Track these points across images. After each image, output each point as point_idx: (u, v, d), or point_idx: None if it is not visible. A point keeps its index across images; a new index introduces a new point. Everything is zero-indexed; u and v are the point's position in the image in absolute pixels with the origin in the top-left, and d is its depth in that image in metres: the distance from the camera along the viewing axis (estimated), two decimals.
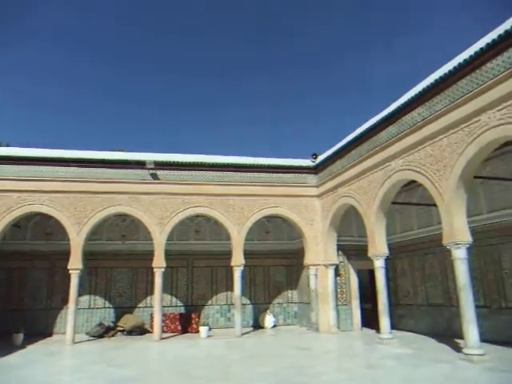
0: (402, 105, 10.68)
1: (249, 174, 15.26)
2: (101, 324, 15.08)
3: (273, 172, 15.51)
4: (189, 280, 17.34)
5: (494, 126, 8.10)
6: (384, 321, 11.61)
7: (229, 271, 15.67)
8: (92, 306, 16.29)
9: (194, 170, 14.82)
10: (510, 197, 11.00)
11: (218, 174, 15.04)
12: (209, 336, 14.12)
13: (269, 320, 16.84)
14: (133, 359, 10.28)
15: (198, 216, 15.99)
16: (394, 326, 13.01)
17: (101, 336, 14.49)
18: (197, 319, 15.90)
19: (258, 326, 16.92)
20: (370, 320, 15.06)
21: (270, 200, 15.28)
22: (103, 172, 14.18)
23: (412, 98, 10.25)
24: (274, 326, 16.84)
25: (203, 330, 14.26)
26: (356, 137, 12.95)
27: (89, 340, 13.88)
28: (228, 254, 14.98)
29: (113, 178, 14.20)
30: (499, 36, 7.75)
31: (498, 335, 10.72)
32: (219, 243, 17.38)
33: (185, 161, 14.79)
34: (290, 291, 18.05)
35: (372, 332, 13.96)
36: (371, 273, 13.74)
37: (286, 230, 18.19)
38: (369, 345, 11.66)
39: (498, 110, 7.96)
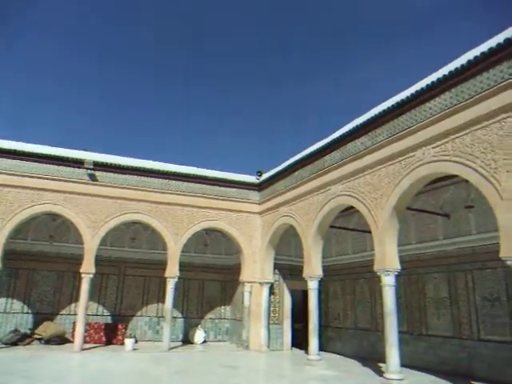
0: (346, 132, 11.10)
1: (192, 185, 15.04)
2: (16, 330, 13.93)
3: (216, 185, 15.42)
4: (119, 288, 16.56)
5: (427, 162, 8.60)
6: (313, 342, 11.75)
7: (162, 282, 15.17)
8: (8, 311, 14.99)
9: (135, 174, 14.35)
10: (438, 230, 11.69)
11: (160, 181, 14.66)
12: (134, 349, 13.50)
13: (199, 335, 16.46)
14: (45, 372, 9.50)
15: (135, 223, 15.41)
16: (322, 348, 13.22)
17: (14, 344, 13.38)
18: (123, 330, 15.17)
19: (187, 340, 16.47)
20: (300, 340, 15.21)
21: (211, 213, 15.12)
22: (33, 166, 13.24)
23: (356, 127, 10.69)
24: (205, 341, 16.48)
25: (129, 342, 13.61)
26: (300, 159, 13.23)
27: (0, 348, 12.72)
28: (163, 264, 14.54)
29: (43, 174, 13.30)
30: (438, 79, 8.32)
31: (416, 361, 11.24)
32: (155, 252, 16.86)
33: (126, 164, 14.28)
34: (223, 307, 17.82)
35: (301, 352, 14.09)
36: (304, 293, 13.93)
37: (224, 244, 18.05)
38: (297, 365, 11.73)
39: (433, 148, 8.48)
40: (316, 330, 11.84)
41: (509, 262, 6.91)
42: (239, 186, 15.80)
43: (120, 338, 14.81)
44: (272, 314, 15.24)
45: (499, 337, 9.78)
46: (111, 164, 14.02)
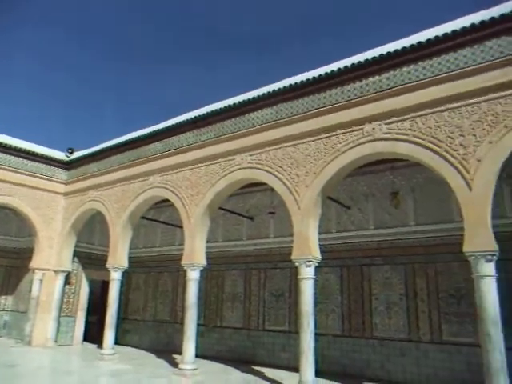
0: (171, 126, 11.03)
1: None
2: None
3: (14, 155, 13.22)
4: None
5: (244, 167, 9.28)
6: (108, 335, 11.22)
7: None
8: None
9: None
10: (242, 230, 12.73)
11: None
12: None
13: None
14: None
15: None
16: (118, 341, 12.75)
17: None
18: None
19: None
20: (93, 334, 14.32)
21: (3, 186, 12.87)
22: None
23: (182, 122, 10.73)
24: None
25: None
26: (120, 143, 12.54)
27: None
28: None
29: None
30: (259, 95, 9.11)
31: (210, 351, 12.00)
32: None
33: None
34: (3, 297, 15.35)
35: (93, 347, 13.28)
36: (105, 284, 13.21)
37: (15, 224, 15.63)
38: (88, 361, 10.99)
39: (250, 155, 9.20)
40: (113, 323, 11.35)
41: (296, 264, 8.02)
42: (44, 161, 13.94)
43: None
44: (65, 306, 13.93)
45: (279, 327, 11.27)
46: None
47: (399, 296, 9.62)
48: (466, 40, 6.67)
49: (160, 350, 13.19)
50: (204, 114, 10.23)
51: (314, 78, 8.22)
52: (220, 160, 9.82)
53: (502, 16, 6.30)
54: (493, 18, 6.38)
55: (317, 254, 7.99)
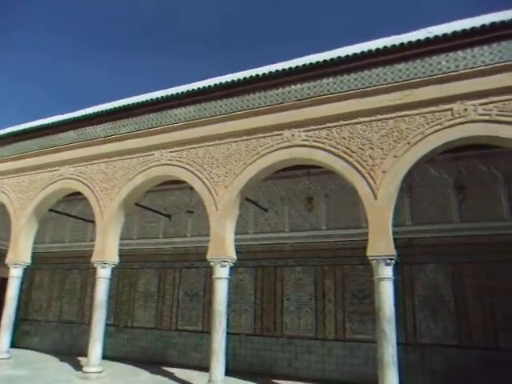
0: (87, 115, 10.43)
1: None
2: None
3: None
4: None
5: (163, 163, 9.08)
6: (4, 338, 10.27)
7: None
8: None
9: None
10: (159, 228, 12.43)
11: None
12: None
13: None
14: None
15: None
16: (15, 344, 11.72)
17: None
18: None
19: None
20: None
21: None
22: None
23: (96, 113, 10.19)
24: None
25: None
26: (29, 129, 11.55)
27: None
28: None
29: None
30: (178, 93, 9.01)
31: (119, 352, 11.54)
32: None
33: None
34: None
35: None
36: (3, 282, 12.07)
37: None
38: None
39: (170, 152, 9.03)
40: (10, 324, 10.41)
41: (212, 263, 8.03)
42: None
43: None
44: None
45: (192, 326, 11.20)
46: None
47: (309, 296, 10.08)
48: (379, 61, 7.21)
49: (64, 352, 12.37)
50: (122, 107, 9.82)
51: (238, 79, 8.31)
52: (139, 155, 9.50)
53: (410, 43, 6.93)
54: (402, 44, 6.98)
55: (232, 254, 8.08)
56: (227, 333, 7.92)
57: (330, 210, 10.20)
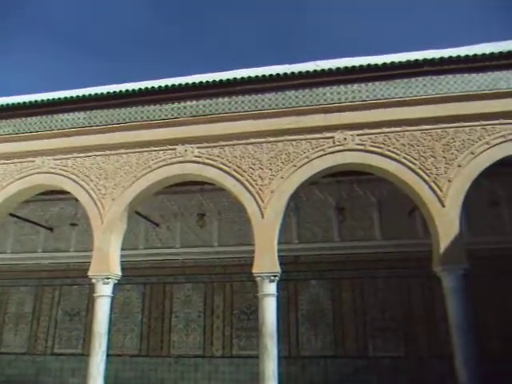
0: None
1: None
2: None
3: None
4: None
5: (45, 171, 8.34)
6: None
7: None
8: None
9: None
10: (38, 241, 11.32)
11: None
12: None
13: None
14: None
15: None
16: None
17: None
18: None
19: None
20: None
21: None
22: None
23: None
24: None
25: None
26: None
27: None
28: None
29: None
30: (73, 96, 8.46)
31: None
32: None
33: None
34: None
35: None
36: None
37: None
38: None
39: (54, 159, 8.34)
40: None
41: (93, 280, 7.53)
42: None
43: None
44: None
45: (70, 349, 10.33)
46: None
47: (198, 313, 9.99)
48: (272, 86, 7.61)
49: None
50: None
51: (133, 90, 8.06)
52: (17, 160, 8.61)
53: (300, 73, 7.45)
54: (293, 73, 7.47)
55: (116, 270, 7.67)
56: (109, 355, 7.47)
57: (222, 227, 10.33)
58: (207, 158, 7.52)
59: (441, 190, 6.75)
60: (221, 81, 7.72)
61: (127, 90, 8.16)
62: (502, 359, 8.45)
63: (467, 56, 7.10)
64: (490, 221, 9.51)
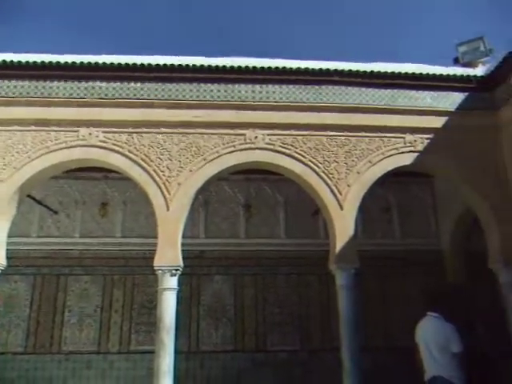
0: None
1: None
2: None
3: None
4: None
5: None
6: None
7: None
8: None
9: None
10: None
11: None
12: None
13: None
14: None
15: None
16: None
17: None
18: None
19: None
20: None
21: None
22: None
23: None
24: None
25: None
26: None
27: None
28: None
29: None
30: None
31: None
32: None
33: None
34: None
35: None
36: None
37: None
38: None
39: None
40: None
41: None
42: None
43: None
44: None
45: None
46: None
47: (95, 308, 9.46)
48: (187, 77, 7.47)
49: None
50: None
51: (35, 62, 7.29)
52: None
53: (217, 66, 7.41)
54: (209, 66, 7.40)
55: (1, 260, 6.96)
56: None
57: (127, 218, 9.90)
58: (114, 144, 7.14)
59: (340, 194, 7.18)
60: (134, 65, 7.38)
61: (27, 62, 7.39)
62: (384, 351, 9.29)
63: (365, 71, 7.64)
64: (381, 225, 10.41)
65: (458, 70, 8.21)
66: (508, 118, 7.47)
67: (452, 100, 7.82)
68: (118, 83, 7.44)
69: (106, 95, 7.39)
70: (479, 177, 7.45)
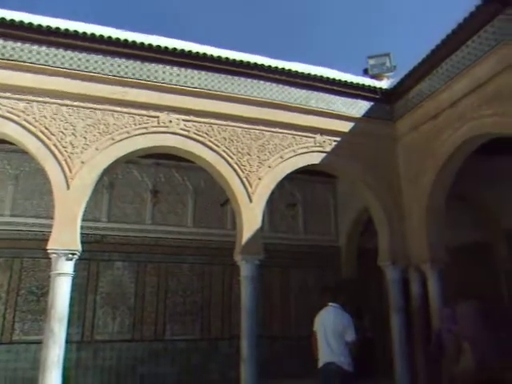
0: None
1: None
2: None
3: None
4: None
5: None
6: None
7: None
8: None
9: None
10: None
11: None
12: None
13: None
14: None
15: None
16: None
17: None
18: None
19: None
20: None
21: None
22: None
23: None
24: None
25: None
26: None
27: None
28: None
29: None
30: None
31: None
32: None
33: None
34: None
35: None
36: None
37: None
38: None
39: None
40: None
41: None
42: None
43: None
44: None
45: None
46: None
47: None
48: (102, 48, 6.92)
49: None
50: None
51: None
52: None
53: (133, 42, 6.99)
54: (126, 40, 6.96)
55: None
56: None
57: (18, 195, 8.93)
58: (8, 112, 6.35)
59: (251, 186, 7.29)
60: (39, 26, 6.63)
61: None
62: (281, 339, 9.74)
63: (283, 69, 7.84)
64: (287, 220, 10.83)
65: (367, 81, 8.82)
66: (402, 131, 8.28)
67: (359, 107, 8.38)
68: (19, 43, 6.60)
69: (3, 55, 6.53)
70: (376, 180, 8.12)
